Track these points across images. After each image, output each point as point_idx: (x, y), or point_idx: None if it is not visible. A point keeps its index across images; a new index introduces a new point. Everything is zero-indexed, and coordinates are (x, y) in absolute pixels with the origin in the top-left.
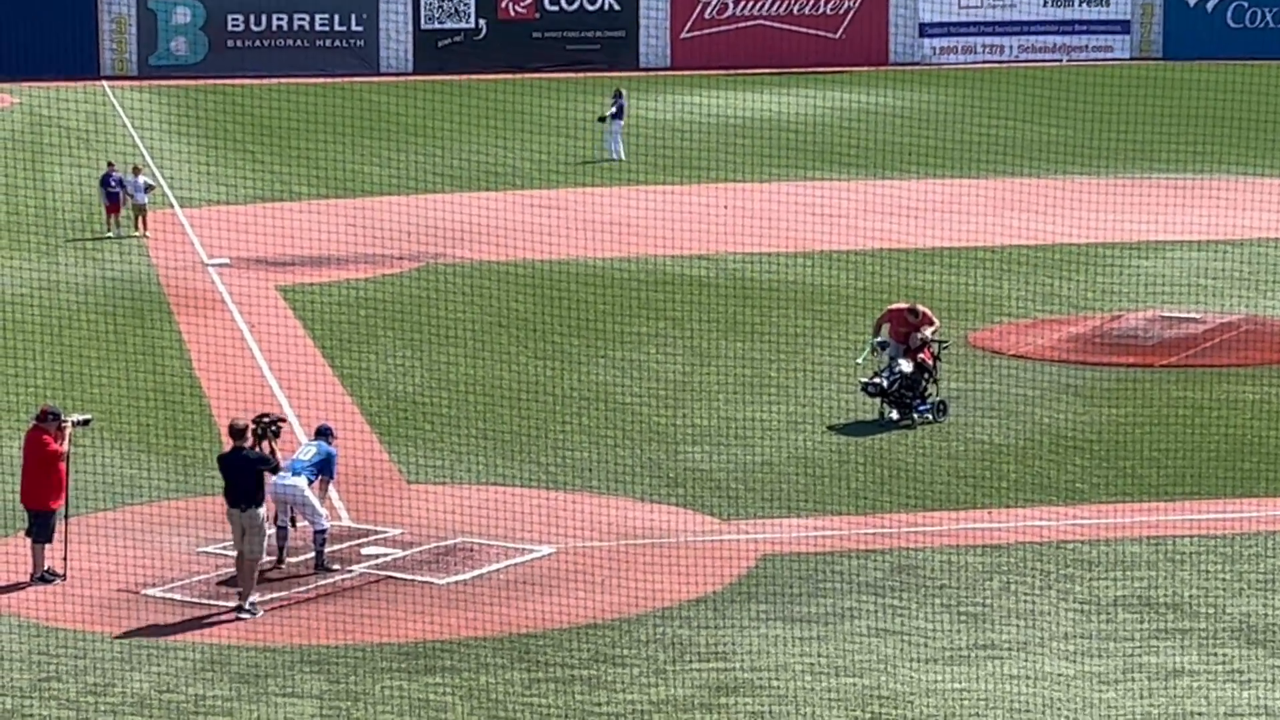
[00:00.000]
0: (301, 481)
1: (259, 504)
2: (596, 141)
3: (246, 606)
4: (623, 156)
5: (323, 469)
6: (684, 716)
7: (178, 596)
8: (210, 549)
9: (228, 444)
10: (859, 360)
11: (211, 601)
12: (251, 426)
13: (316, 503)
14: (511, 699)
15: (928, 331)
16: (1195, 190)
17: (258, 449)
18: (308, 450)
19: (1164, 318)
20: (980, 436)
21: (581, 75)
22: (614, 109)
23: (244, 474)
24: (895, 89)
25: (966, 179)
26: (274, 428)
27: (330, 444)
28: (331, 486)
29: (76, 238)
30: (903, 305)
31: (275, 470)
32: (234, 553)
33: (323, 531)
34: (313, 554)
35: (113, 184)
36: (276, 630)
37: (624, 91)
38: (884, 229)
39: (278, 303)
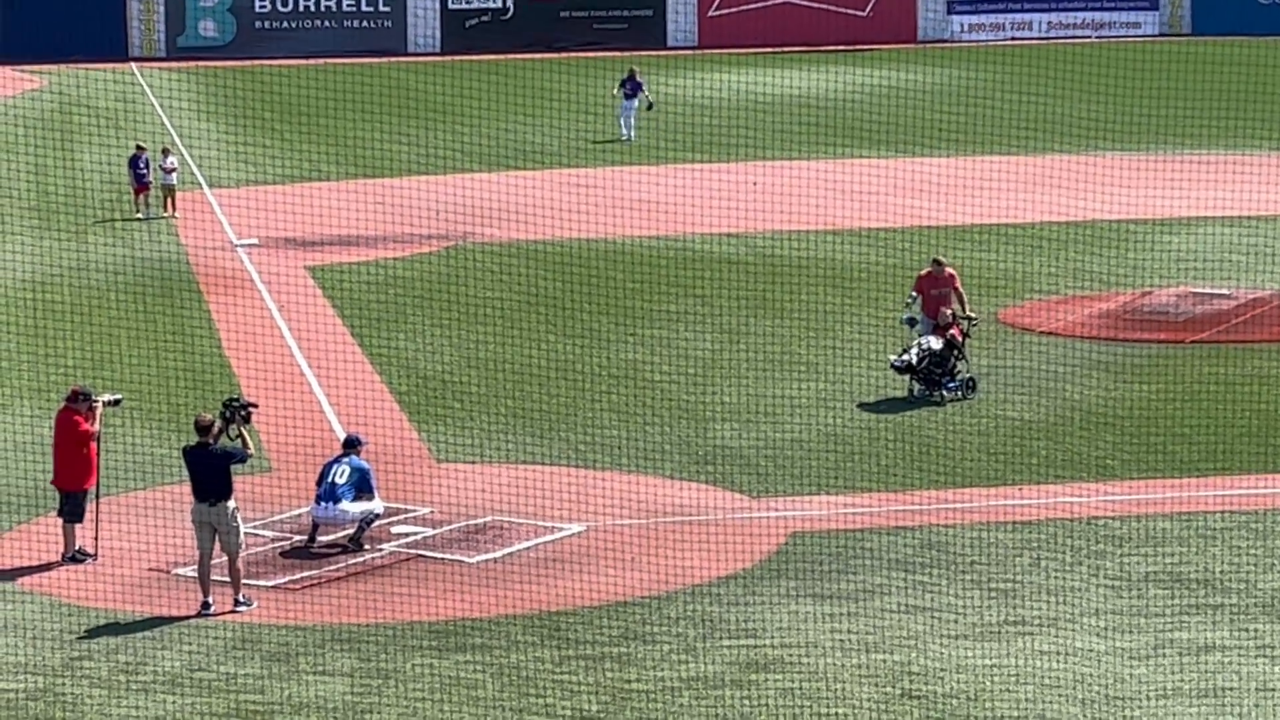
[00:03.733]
0: (344, 506)
1: (228, 497)
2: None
3: (241, 599)
4: (631, 137)
5: (361, 487)
6: (714, 693)
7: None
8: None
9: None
10: (907, 316)
11: (245, 581)
12: (221, 411)
13: (364, 506)
14: (542, 677)
15: (958, 306)
16: (1225, 166)
17: (226, 434)
18: (339, 471)
19: (1194, 294)
20: (1010, 413)
21: (609, 54)
22: (628, 88)
23: (212, 469)
24: (923, 67)
25: (995, 156)
26: (244, 412)
27: (360, 454)
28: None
29: (106, 219)
30: (926, 269)
31: (244, 460)
32: (265, 534)
33: (376, 515)
34: (346, 531)
35: (141, 166)
36: (307, 609)
37: (636, 69)
38: (913, 206)
39: (307, 283)
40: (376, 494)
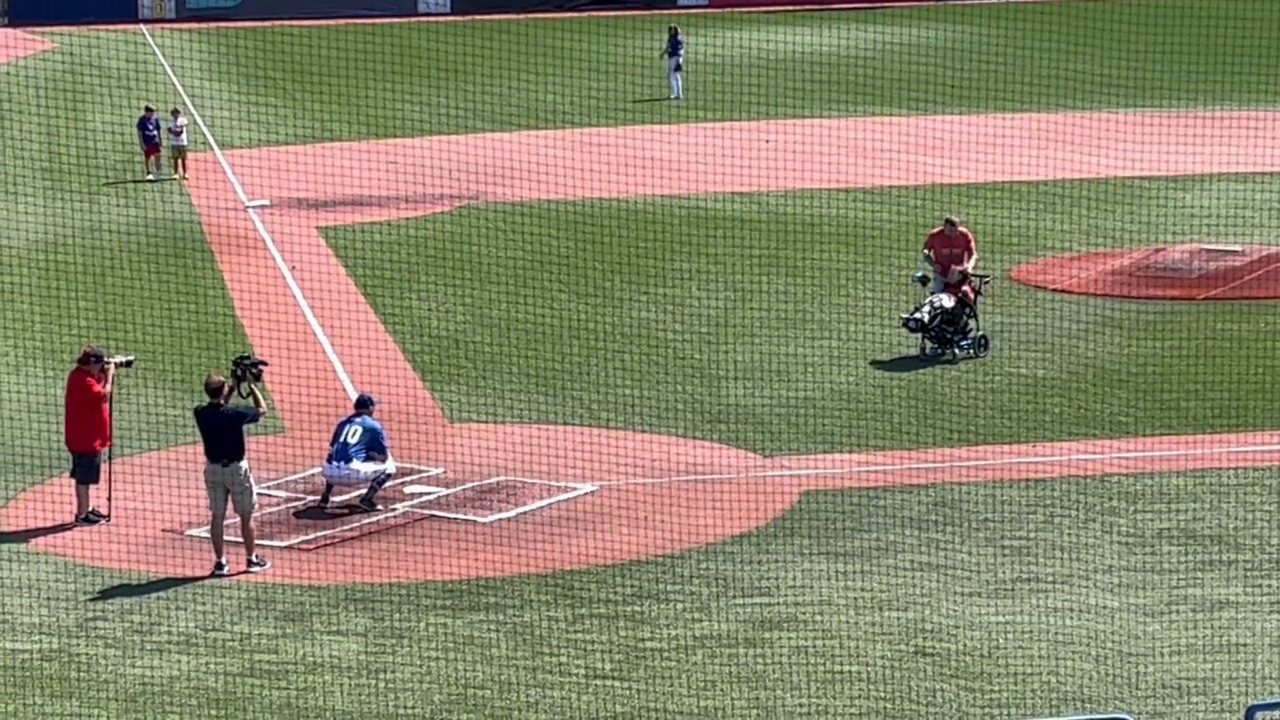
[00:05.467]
0: (355, 466)
1: (241, 457)
2: (636, 79)
3: (255, 559)
4: (680, 96)
5: (372, 447)
6: (727, 651)
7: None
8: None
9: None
10: (918, 274)
11: (258, 542)
12: (231, 369)
13: (376, 467)
14: (555, 636)
15: (969, 264)
16: (1237, 122)
17: (237, 392)
18: (351, 431)
19: (1206, 250)
20: (1022, 371)
21: (619, 14)
22: (668, 47)
23: (223, 430)
24: (936, 24)
25: (1008, 114)
26: (254, 370)
27: (372, 414)
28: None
29: (117, 181)
30: (938, 227)
31: (256, 419)
32: (278, 494)
33: (389, 475)
34: (359, 492)
35: (150, 127)
36: (321, 568)
37: (676, 28)
38: (925, 164)
39: (318, 243)
40: (389, 454)
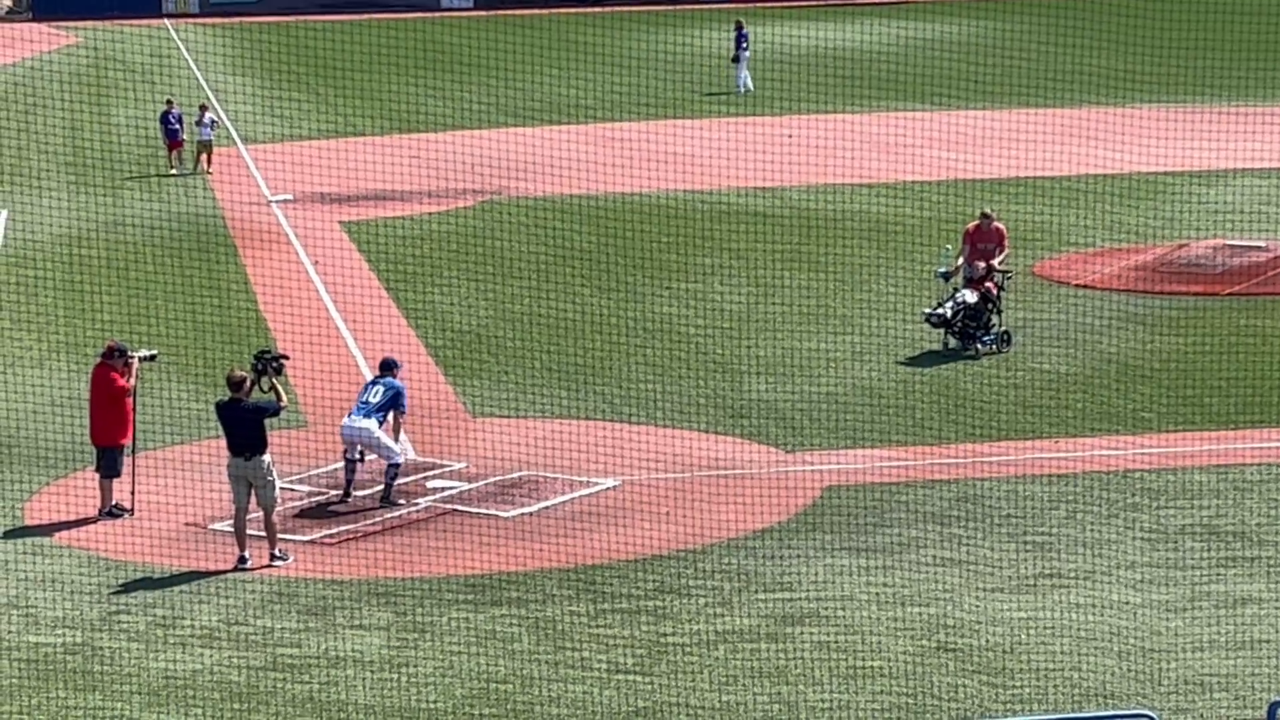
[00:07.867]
0: (371, 424)
1: (263, 450)
2: (655, 73)
3: (278, 554)
4: (749, 88)
5: (393, 405)
6: (750, 647)
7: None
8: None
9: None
10: (941, 270)
11: (281, 536)
12: (253, 363)
13: (389, 441)
14: (577, 630)
15: (997, 259)
16: (1260, 118)
17: (259, 386)
18: (374, 391)
19: (1229, 246)
20: (1045, 366)
21: (642, 9)
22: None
23: (245, 424)
24: (959, 19)
25: (1031, 109)
26: (275, 364)
27: (396, 376)
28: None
29: (140, 175)
30: (974, 222)
31: (277, 413)
32: (301, 488)
33: (397, 465)
34: (379, 487)
35: (172, 121)
36: (344, 563)
37: (742, 20)
38: (948, 160)
39: (341, 238)
40: (405, 439)
